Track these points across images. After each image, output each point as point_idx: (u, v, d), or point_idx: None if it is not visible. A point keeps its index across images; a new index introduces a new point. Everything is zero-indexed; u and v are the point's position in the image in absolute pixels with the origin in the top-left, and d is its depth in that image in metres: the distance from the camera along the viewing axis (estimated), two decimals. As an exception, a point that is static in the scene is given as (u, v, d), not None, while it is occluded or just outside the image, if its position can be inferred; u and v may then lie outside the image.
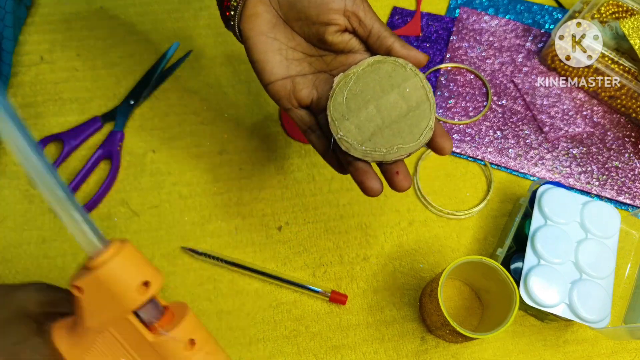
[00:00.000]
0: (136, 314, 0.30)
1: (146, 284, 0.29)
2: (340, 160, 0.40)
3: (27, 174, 0.26)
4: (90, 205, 0.56)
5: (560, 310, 0.48)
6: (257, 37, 0.38)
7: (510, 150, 0.61)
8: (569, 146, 0.61)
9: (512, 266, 0.52)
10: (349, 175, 0.40)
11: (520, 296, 0.47)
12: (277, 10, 0.39)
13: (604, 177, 0.60)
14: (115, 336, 0.31)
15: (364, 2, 0.39)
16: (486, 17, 0.68)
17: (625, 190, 0.59)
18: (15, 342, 0.33)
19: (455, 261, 0.47)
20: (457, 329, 0.45)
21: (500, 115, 0.62)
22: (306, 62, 0.41)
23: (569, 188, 0.57)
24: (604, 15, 0.62)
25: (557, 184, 0.54)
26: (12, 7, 0.58)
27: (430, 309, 0.49)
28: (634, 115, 0.61)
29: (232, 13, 0.39)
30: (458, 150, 0.60)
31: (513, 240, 0.53)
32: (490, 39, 0.66)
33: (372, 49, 0.40)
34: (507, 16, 0.68)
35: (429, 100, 0.38)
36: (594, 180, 0.59)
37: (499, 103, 0.63)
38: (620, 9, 0.62)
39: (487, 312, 0.53)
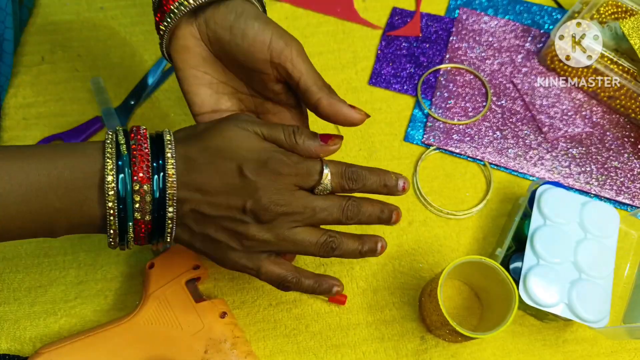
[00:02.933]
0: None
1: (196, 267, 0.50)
2: None
3: None
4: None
5: (560, 310, 0.48)
6: (187, 70, 0.38)
7: (509, 150, 0.61)
8: (568, 146, 0.61)
9: (512, 266, 0.52)
10: None
11: (519, 296, 0.47)
12: (207, 46, 0.38)
13: (603, 177, 0.60)
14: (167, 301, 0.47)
15: (294, 50, 0.36)
16: (485, 18, 0.68)
17: (625, 190, 0.59)
18: None
19: (455, 261, 0.47)
20: (457, 328, 0.45)
21: (499, 115, 0.63)
22: (236, 98, 0.40)
23: (568, 188, 0.57)
24: (603, 15, 0.62)
25: (557, 184, 0.54)
26: (12, 9, 0.58)
27: (429, 309, 0.49)
28: (633, 115, 0.61)
29: (160, 41, 0.38)
30: (458, 151, 0.61)
31: (512, 240, 0.53)
32: (490, 39, 0.67)
33: (303, 102, 0.38)
34: (507, 17, 0.68)
35: None
36: (593, 180, 0.60)
37: (499, 103, 0.63)
38: (620, 10, 0.62)
39: (487, 311, 0.53)
